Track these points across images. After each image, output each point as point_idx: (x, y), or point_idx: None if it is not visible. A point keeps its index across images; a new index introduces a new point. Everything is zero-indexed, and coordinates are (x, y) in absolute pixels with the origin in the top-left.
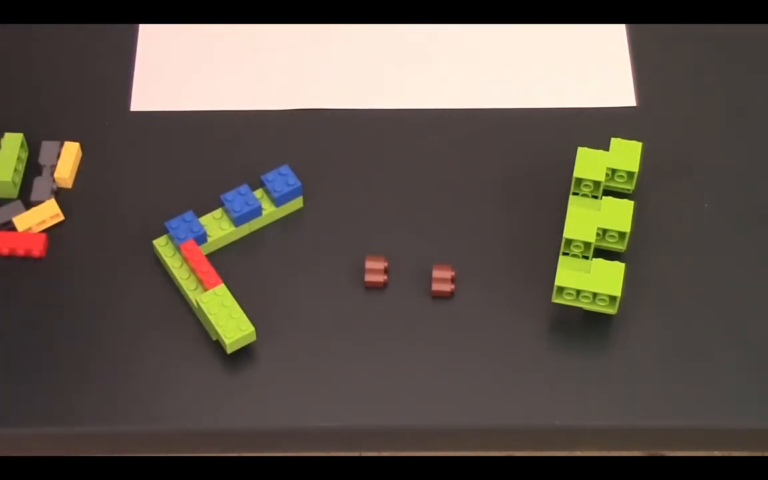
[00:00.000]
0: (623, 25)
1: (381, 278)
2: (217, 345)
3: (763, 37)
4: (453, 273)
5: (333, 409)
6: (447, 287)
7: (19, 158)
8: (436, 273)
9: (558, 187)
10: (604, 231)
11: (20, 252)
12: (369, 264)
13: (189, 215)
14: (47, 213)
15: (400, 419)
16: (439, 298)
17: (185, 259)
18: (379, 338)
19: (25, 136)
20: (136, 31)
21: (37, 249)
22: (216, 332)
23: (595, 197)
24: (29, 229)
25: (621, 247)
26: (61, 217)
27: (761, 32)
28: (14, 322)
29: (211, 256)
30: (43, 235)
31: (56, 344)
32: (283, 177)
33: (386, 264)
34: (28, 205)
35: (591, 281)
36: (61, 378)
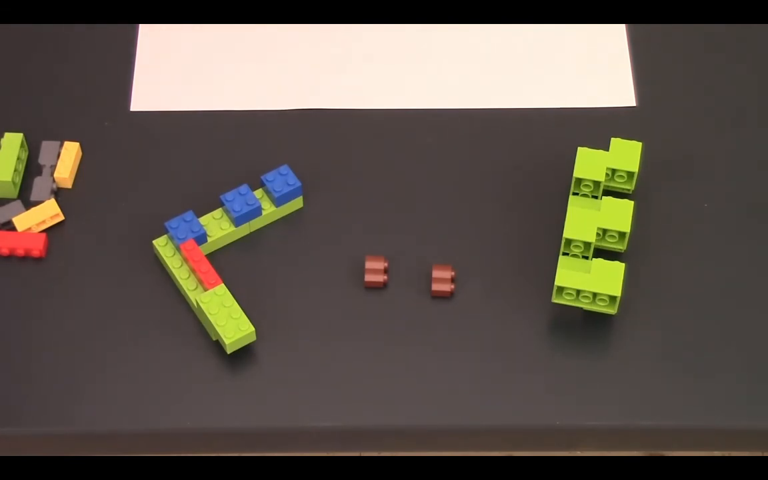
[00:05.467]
0: (623, 25)
1: (381, 278)
2: (217, 345)
3: (763, 37)
4: (453, 273)
5: (333, 409)
6: (447, 287)
7: (19, 158)
8: (436, 273)
9: (558, 187)
10: (604, 231)
11: (20, 252)
12: (369, 264)
13: (189, 215)
14: (47, 213)
15: (400, 419)
16: (439, 298)
17: (185, 259)
18: (379, 338)
19: (25, 136)
20: (136, 30)
21: (37, 249)
22: (216, 332)
23: (595, 197)
24: (29, 229)
25: (621, 247)
26: (61, 217)
27: (761, 32)
28: (14, 322)
29: (211, 256)
30: (43, 235)
31: (56, 344)
32: (283, 177)
33: (386, 264)
34: (28, 205)
35: (591, 281)
36: (61, 378)
